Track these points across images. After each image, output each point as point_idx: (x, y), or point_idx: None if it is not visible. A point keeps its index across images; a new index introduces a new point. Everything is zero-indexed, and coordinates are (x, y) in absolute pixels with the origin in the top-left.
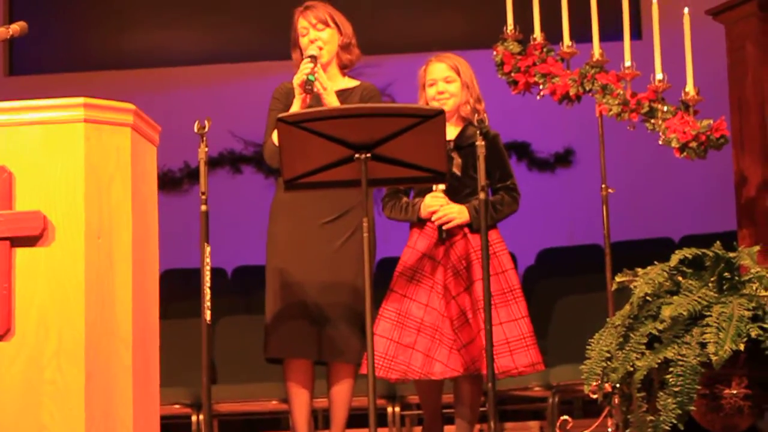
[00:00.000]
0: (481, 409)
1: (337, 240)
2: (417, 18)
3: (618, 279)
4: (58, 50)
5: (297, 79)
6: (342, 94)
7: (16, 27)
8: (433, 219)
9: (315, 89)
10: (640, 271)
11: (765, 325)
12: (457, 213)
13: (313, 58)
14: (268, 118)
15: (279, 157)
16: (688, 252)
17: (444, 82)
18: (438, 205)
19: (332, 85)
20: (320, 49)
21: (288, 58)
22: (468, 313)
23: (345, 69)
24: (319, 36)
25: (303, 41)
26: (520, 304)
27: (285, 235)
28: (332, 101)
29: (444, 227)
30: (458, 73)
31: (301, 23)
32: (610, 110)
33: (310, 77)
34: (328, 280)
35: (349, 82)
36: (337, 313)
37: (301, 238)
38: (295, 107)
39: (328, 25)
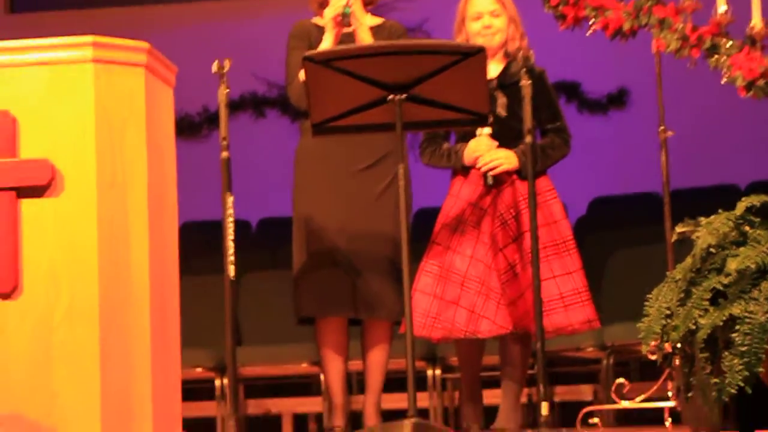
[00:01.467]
0: (529, 371)
1: (374, 188)
2: None
3: (678, 229)
4: None
5: (331, 12)
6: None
7: None
8: (478, 165)
9: (351, 23)
10: (702, 220)
11: None
12: (504, 158)
13: None
14: (288, 57)
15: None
16: (755, 199)
17: (490, 15)
18: (484, 149)
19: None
20: None
21: None
22: (517, 267)
23: (368, 6)
24: None
25: None
26: (573, 256)
27: (315, 184)
28: (366, 38)
29: (490, 174)
30: (504, 6)
31: None
32: (669, 46)
33: (346, 10)
34: (365, 230)
35: (374, 20)
36: (375, 266)
37: (333, 186)
38: (326, 44)
39: None
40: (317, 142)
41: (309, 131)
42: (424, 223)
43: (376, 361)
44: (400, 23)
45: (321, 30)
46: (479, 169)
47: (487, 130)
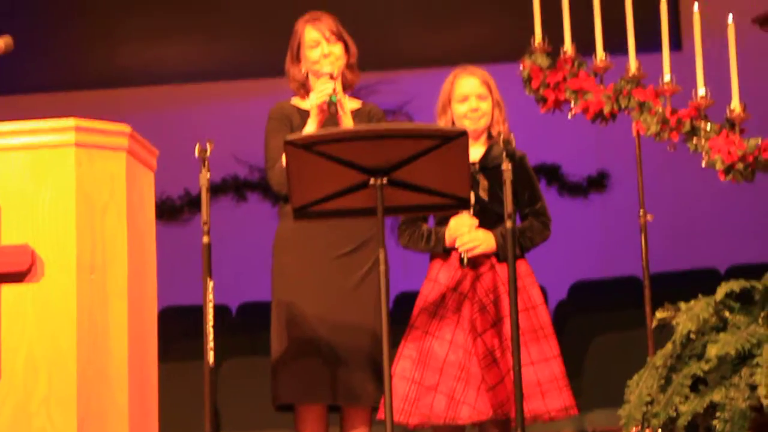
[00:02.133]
0: None
1: (354, 275)
2: (435, 30)
3: (659, 315)
4: (46, 67)
5: (317, 99)
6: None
7: (1, 42)
8: (456, 245)
9: (337, 110)
10: (682, 305)
11: None
12: (483, 240)
13: (332, 76)
14: (268, 140)
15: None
16: (735, 284)
17: (477, 98)
18: (465, 229)
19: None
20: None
21: None
22: (496, 352)
23: (346, 90)
24: (332, 51)
25: (312, 54)
26: (551, 342)
27: (295, 269)
28: (349, 123)
29: (467, 255)
30: (490, 90)
31: (311, 35)
32: (648, 129)
33: (333, 97)
34: (344, 319)
35: (352, 103)
36: (353, 355)
37: (313, 272)
38: (310, 129)
39: (339, 40)
40: (297, 227)
41: (288, 216)
42: (404, 307)
43: None
44: (378, 107)
45: (301, 112)
46: (457, 249)
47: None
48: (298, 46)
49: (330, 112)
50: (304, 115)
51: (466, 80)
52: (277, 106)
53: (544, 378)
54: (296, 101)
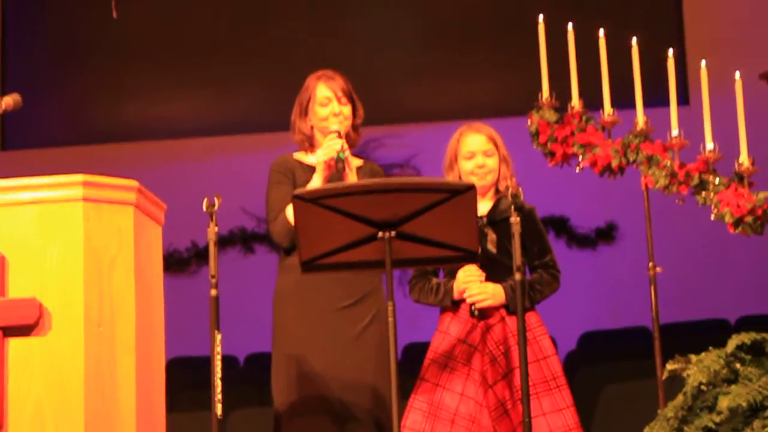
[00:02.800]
0: None
1: (355, 327)
2: (443, 84)
3: (669, 366)
4: (54, 123)
5: (325, 155)
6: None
7: (9, 100)
8: (465, 296)
9: (344, 168)
10: (693, 357)
11: None
12: (491, 293)
13: (339, 134)
14: (270, 192)
15: (294, 236)
16: (746, 336)
17: (483, 155)
18: (471, 281)
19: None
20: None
21: None
22: (507, 404)
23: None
24: (342, 111)
25: (321, 111)
26: (564, 392)
27: (297, 321)
28: (354, 179)
29: (476, 306)
30: (496, 146)
31: (323, 92)
32: (657, 183)
33: (341, 155)
34: (347, 374)
35: (355, 161)
36: (359, 409)
37: (316, 324)
38: (316, 183)
39: (350, 101)
40: (297, 280)
41: (288, 269)
42: (412, 360)
43: None
44: (378, 165)
45: (304, 166)
46: (466, 301)
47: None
48: (308, 100)
49: (337, 168)
50: (307, 168)
51: (472, 137)
52: (279, 160)
53: (557, 428)
54: (299, 155)
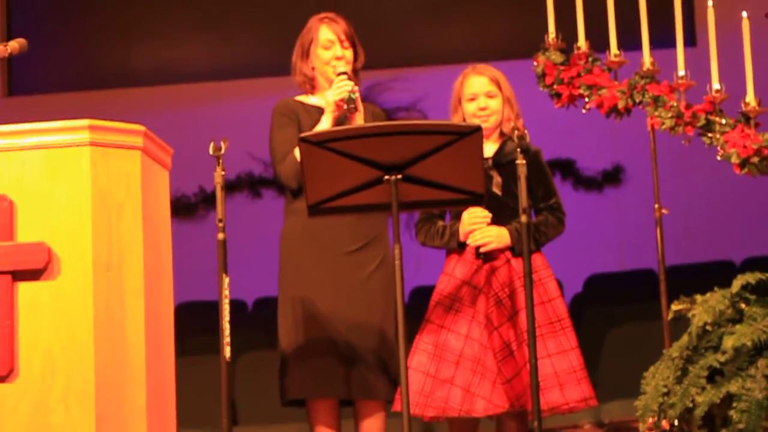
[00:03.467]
0: None
1: (362, 271)
2: (449, 27)
3: (674, 307)
4: (60, 68)
5: (335, 96)
6: (344, 120)
7: (15, 44)
8: (469, 241)
9: (356, 107)
10: (698, 298)
11: None
12: (496, 236)
13: (347, 75)
14: (275, 134)
15: (301, 178)
16: (751, 276)
17: (485, 96)
18: (477, 224)
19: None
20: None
21: None
22: (512, 345)
23: None
24: (345, 54)
25: (324, 54)
26: (569, 334)
27: (304, 266)
28: (360, 122)
29: (481, 250)
30: (499, 87)
31: (326, 34)
32: (663, 124)
33: (352, 95)
34: (354, 315)
35: None
36: (365, 351)
37: (323, 268)
38: (325, 125)
39: (352, 45)
40: (304, 224)
41: (295, 213)
42: (418, 302)
43: None
44: (385, 108)
45: (307, 107)
46: (470, 244)
47: None
48: (309, 42)
49: (348, 109)
50: (310, 110)
51: (475, 79)
52: (281, 102)
53: (562, 370)
54: (301, 98)
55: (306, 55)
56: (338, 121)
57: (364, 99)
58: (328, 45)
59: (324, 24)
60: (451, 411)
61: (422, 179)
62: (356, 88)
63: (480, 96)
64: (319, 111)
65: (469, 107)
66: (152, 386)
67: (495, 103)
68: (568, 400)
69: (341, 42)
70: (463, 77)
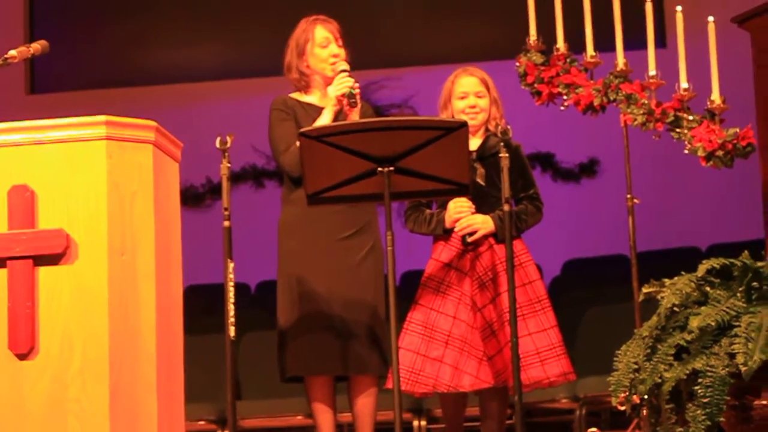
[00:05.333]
0: (507, 421)
1: (354, 256)
2: (438, 30)
3: (645, 290)
4: (79, 68)
5: (337, 91)
6: (340, 115)
7: (37, 46)
8: (456, 228)
9: (357, 102)
10: (667, 281)
11: None
12: (482, 223)
13: (347, 72)
14: (275, 129)
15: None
16: (715, 262)
17: (475, 96)
18: (462, 213)
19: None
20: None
21: None
22: (494, 325)
23: None
24: (340, 52)
25: (321, 52)
26: (548, 314)
27: (301, 251)
28: (356, 118)
29: (468, 239)
30: (488, 88)
31: (322, 33)
32: (635, 120)
33: (353, 90)
34: (348, 296)
35: None
36: (359, 329)
37: (318, 253)
38: (325, 120)
39: (343, 44)
40: (301, 213)
41: (293, 202)
42: (408, 286)
43: (366, 412)
44: (379, 105)
45: (303, 104)
46: (457, 232)
47: None
48: (305, 42)
49: (350, 103)
50: (306, 107)
51: (466, 79)
52: (278, 99)
53: (543, 347)
54: (295, 95)
55: (302, 53)
56: (335, 118)
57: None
58: (324, 43)
59: (319, 24)
60: (441, 387)
61: (413, 171)
62: (357, 84)
63: (470, 95)
64: (314, 108)
65: (460, 105)
66: (162, 363)
67: (483, 102)
68: (549, 375)
69: (336, 40)
70: (455, 77)
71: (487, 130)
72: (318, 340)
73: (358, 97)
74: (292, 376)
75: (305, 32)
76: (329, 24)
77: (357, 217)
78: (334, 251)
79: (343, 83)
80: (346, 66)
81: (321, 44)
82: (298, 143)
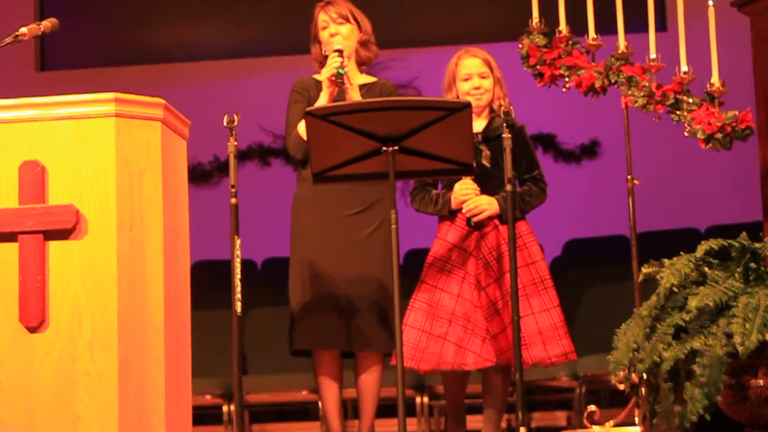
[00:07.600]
0: (509, 398)
1: (362, 232)
2: (442, 11)
3: (644, 270)
4: (89, 46)
5: (326, 73)
6: (360, 90)
7: (47, 23)
8: (463, 209)
9: (344, 82)
10: (666, 261)
11: None
12: (487, 204)
13: (340, 52)
14: (288, 110)
15: (306, 150)
16: (714, 243)
17: (479, 77)
18: (468, 195)
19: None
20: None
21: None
22: (498, 304)
23: (363, 66)
24: (339, 30)
25: (323, 35)
26: (551, 293)
27: (310, 227)
28: (355, 96)
29: (474, 219)
30: (491, 69)
31: (322, 17)
32: (636, 102)
33: (340, 70)
34: (355, 272)
35: (367, 79)
36: (366, 305)
37: (326, 229)
38: (323, 101)
39: (348, 21)
40: (311, 190)
41: (305, 180)
42: (414, 264)
43: (370, 388)
44: (389, 81)
45: (319, 84)
46: (464, 213)
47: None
48: (314, 28)
49: (337, 84)
50: (321, 87)
51: (469, 61)
52: (298, 80)
53: (545, 327)
54: (317, 76)
55: (315, 39)
56: (338, 99)
57: (374, 76)
58: (324, 26)
59: (321, 10)
60: (445, 365)
61: (417, 151)
62: (346, 63)
63: (474, 76)
64: None
65: (464, 86)
66: (170, 337)
67: (487, 83)
68: (550, 355)
69: (333, 20)
70: (458, 58)
71: (491, 110)
72: (325, 317)
73: (346, 77)
74: (298, 349)
75: (314, 19)
76: (330, 6)
77: (367, 195)
78: (342, 226)
79: (330, 64)
80: (340, 46)
81: (322, 27)
82: (299, 125)
